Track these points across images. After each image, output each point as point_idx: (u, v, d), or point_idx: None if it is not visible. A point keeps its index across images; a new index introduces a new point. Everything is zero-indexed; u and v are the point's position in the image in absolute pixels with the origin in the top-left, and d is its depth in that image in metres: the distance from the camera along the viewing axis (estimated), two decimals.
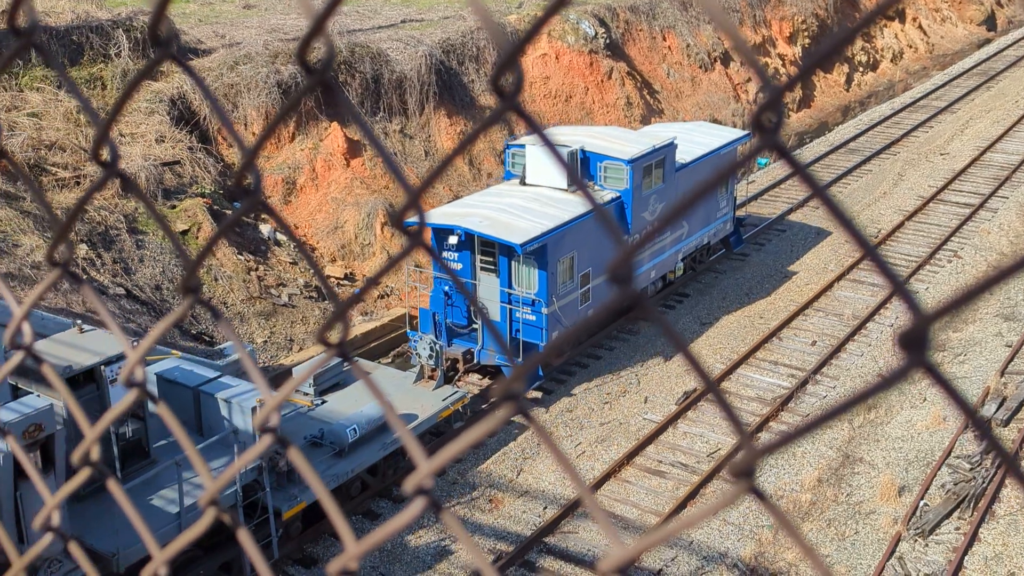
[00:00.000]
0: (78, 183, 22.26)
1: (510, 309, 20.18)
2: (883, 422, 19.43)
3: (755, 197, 31.55)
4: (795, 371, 21.46)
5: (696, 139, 25.26)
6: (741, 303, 24.78)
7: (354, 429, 16.49)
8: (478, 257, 20.42)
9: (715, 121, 37.10)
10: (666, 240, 23.29)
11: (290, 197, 25.56)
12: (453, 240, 20.47)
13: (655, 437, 19.05)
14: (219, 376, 15.44)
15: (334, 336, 1.08)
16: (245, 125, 25.96)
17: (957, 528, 16.16)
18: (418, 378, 19.62)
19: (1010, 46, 52.51)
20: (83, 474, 1.39)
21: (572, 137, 22.53)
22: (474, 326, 20.48)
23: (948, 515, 16.42)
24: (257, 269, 22.92)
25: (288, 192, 25.54)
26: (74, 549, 1.50)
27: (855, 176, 34.19)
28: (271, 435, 1.20)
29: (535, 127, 0.88)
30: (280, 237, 24.57)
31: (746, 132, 27.08)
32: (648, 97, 35.58)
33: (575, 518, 16.80)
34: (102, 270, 20.65)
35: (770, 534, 16.29)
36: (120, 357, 13.94)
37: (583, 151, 21.85)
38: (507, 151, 22.92)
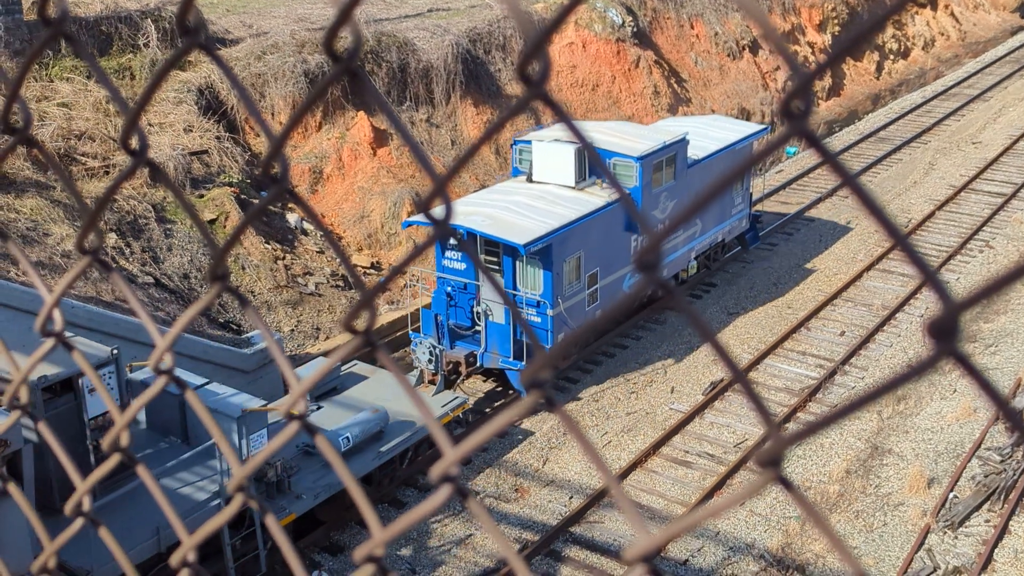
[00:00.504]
0: (107, 172, 22.44)
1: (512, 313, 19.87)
2: (912, 413, 19.30)
3: (784, 186, 31.35)
4: (824, 361, 21.34)
5: (711, 134, 24.62)
6: (769, 293, 24.66)
7: (347, 438, 15.98)
8: (482, 257, 19.76)
9: (743, 111, 36.89)
10: (678, 238, 22.57)
11: (317, 186, 25.64)
12: (454, 240, 20.19)
13: (682, 427, 19.01)
14: (207, 383, 14.87)
15: (360, 324, 1.08)
16: (272, 115, 26.05)
17: (987, 520, 16.04)
18: (418, 382, 19.20)
19: None
20: (113, 459, 1.40)
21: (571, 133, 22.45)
22: (477, 328, 19.80)
23: (978, 507, 16.30)
24: (284, 258, 23.02)
25: (315, 181, 25.62)
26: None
27: (885, 165, 33.91)
28: (298, 423, 1.20)
29: (562, 115, 0.88)
30: (307, 226, 24.67)
31: (763, 126, 26.36)
32: (676, 86, 35.41)
33: (601, 508, 16.80)
34: (131, 259, 20.81)
35: (797, 525, 16.22)
36: (105, 363, 13.62)
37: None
38: (514, 147, 22.41)
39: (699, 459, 18.17)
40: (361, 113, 26.87)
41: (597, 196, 20.51)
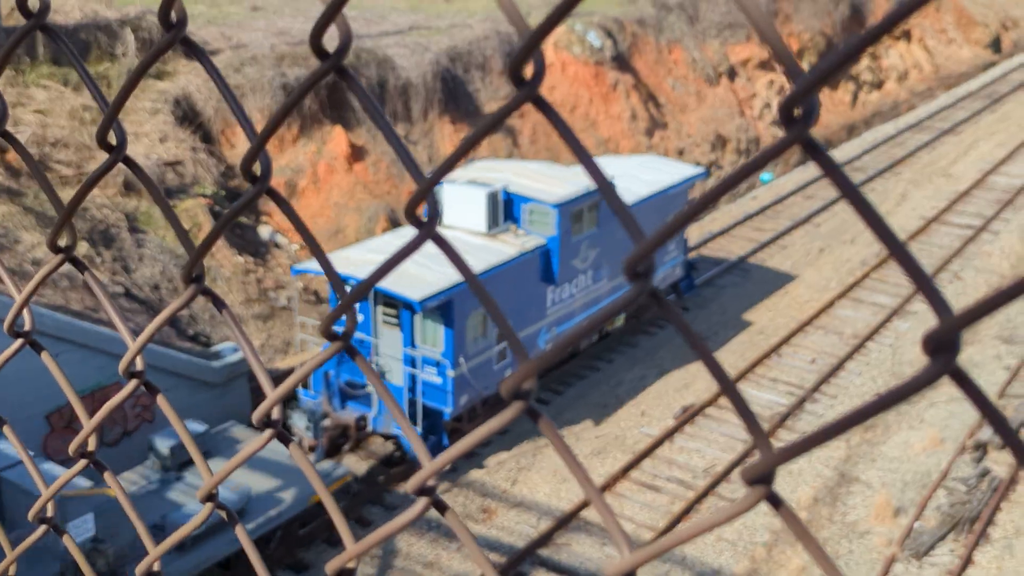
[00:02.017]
0: (80, 180, 22.26)
1: (412, 370, 18.00)
2: (880, 442, 19.39)
3: (758, 213, 31.55)
4: (794, 388, 21.42)
5: (643, 176, 23.04)
6: (741, 318, 24.76)
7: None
8: (379, 309, 18.23)
9: (719, 137, 37.13)
10: (602, 288, 21.24)
11: (291, 199, 25.54)
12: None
13: (651, 451, 19.00)
14: (32, 457, 13.74)
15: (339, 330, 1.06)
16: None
17: (952, 550, 16.11)
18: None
19: (1015, 69, 52.55)
20: (80, 465, 1.37)
21: (496, 174, 20.08)
22: (370, 388, 18.20)
23: (943, 537, 16.37)
24: (256, 271, 22.90)
25: (289, 194, 25.52)
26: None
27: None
28: (272, 430, 1.17)
29: (556, 119, 0.86)
30: (279, 239, 24.55)
31: (701, 170, 24.79)
32: (653, 110, 35.62)
33: (569, 531, 16.75)
34: (102, 268, 20.62)
35: (764, 551, 16.23)
36: None
37: (506, 192, 19.47)
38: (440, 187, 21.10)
39: (668, 484, 18.16)
40: (338, 127, 26.83)
41: (510, 244, 19.01)
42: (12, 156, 21.84)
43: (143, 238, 21.93)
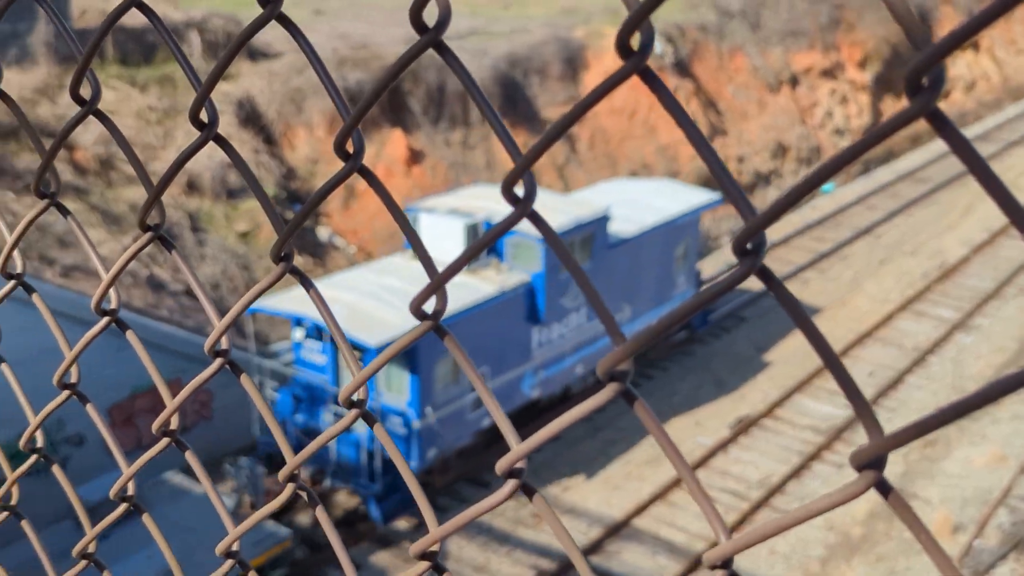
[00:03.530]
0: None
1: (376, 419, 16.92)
2: (940, 458, 19.04)
3: (819, 222, 31.18)
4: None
5: (653, 203, 21.47)
6: (798, 330, 24.44)
7: None
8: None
9: (780, 145, 36.77)
10: (597, 326, 19.38)
11: (350, 202, 25.75)
12: (299, 334, 16.84)
13: (705, 461, 18.84)
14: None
15: (428, 306, 1.05)
16: (311, 129, 26.22)
17: (1013, 570, 15.76)
18: (237, 505, 15.72)
19: None
20: (162, 443, 1.38)
21: (481, 203, 18.36)
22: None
23: (1004, 556, 16.02)
24: (315, 271, 23.10)
25: (348, 197, 25.74)
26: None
27: (922, 206, 33.65)
28: (358, 410, 1.17)
29: (663, 91, 0.84)
30: (337, 241, 24.74)
31: (717, 196, 22.68)
32: (713, 117, 35.39)
33: (620, 539, 16.66)
34: (164, 265, 20.94)
35: (818, 565, 16.01)
36: None
37: (488, 223, 17.58)
38: (411, 213, 18.67)
39: (722, 494, 17.99)
40: (397, 130, 27.00)
41: (490, 281, 17.48)
42: (80, 154, 22.28)
43: (205, 237, 22.24)
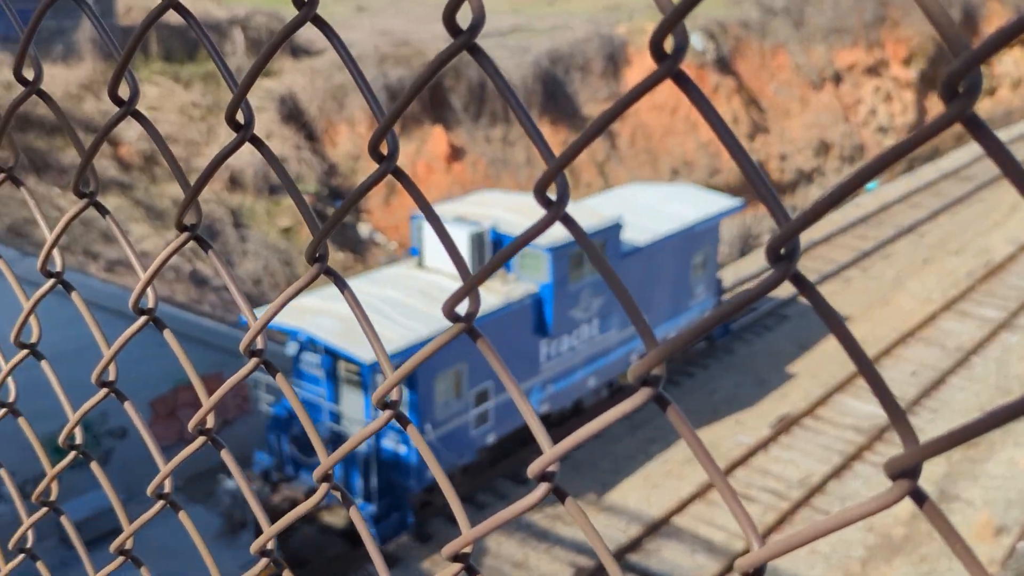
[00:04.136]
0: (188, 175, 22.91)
1: (376, 437, 14.91)
2: (983, 459, 18.79)
3: (861, 220, 30.87)
4: None
5: (669, 210, 20.54)
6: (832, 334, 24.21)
7: None
8: (342, 365, 15.77)
9: (823, 143, 36.43)
10: (611, 338, 18.88)
11: (390, 198, 25.86)
12: (293, 348, 16.15)
13: (746, 460, 18.72)
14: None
15: (462, 308, 1.05)
16: (352, 125, 26.35)
17: None
18: (225, 525, 15.14)
19: None
20: (198, 442, 1.39)
21: (488, 210, 17.63)
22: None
23: None
24: (355, 267, 23.23)
25: (389, 193, 25.84)
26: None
27: (967, 204, 33.22)
28: (392, 411, 1.17)
29: (696, 94, 0.83)
30: (378, 237, 24.86)
31: (738, 202, 22.05)
32: (755, 114, 35.14)
33: (659, 537, 16.60)
34: (206, 261, 21.15)
35: (859, 566, 15.86)
36: None
37: (495, 231, 16.83)
38: (412, 222, 18.21)
39: (762, 494, 17.87)
40: (438, 127, 27.07)
41: (495, 293, 16.56)
42: (124, 150, 22.55)
43: (247, 233, 22.43)
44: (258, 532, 15.81)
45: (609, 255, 17.40)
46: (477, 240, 16.50)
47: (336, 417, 15.92)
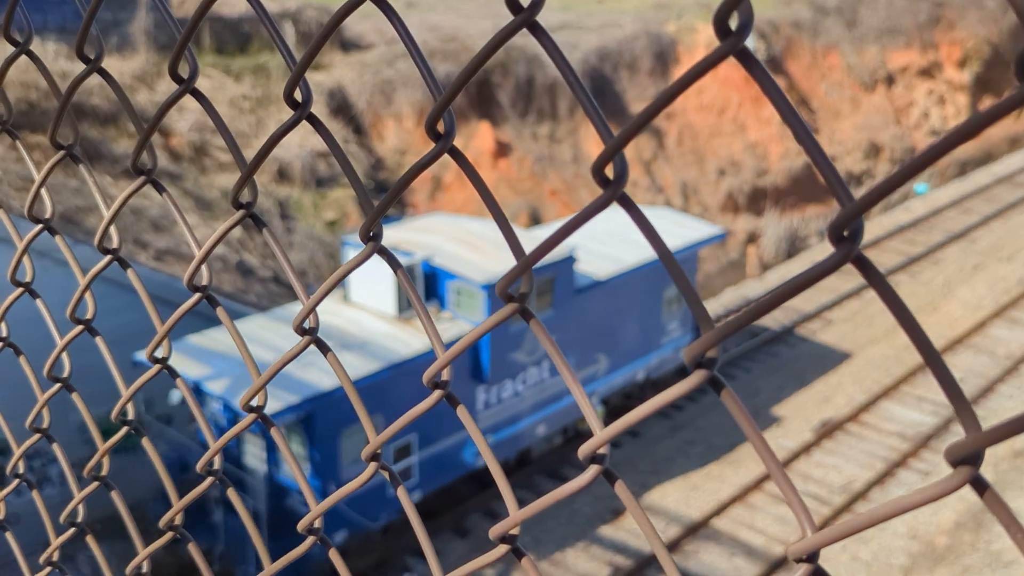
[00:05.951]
0: (236, 168, 23.14)
1: (276, 492, 13.82)
2: None
3: (911, 225, 30.48)
4: (940, 408, 20.61)
5: (638, 237, 17.07)
6: (887, 333, 23.95)
7: None
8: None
9: (873, 145, 36.00)
10: (562, 382, 15.68)
11: (436, 193, 25.93)
12: (176, 396, 13.78)
13: (788, 464, 18.56)
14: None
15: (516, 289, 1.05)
16: (399, 120, 26.47)
17: None
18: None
19: None
20: (249, 419, 1.40)
21: (427, 237, 15.81)
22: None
23: None
24: None
25: (435, 188, 25.92)
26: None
27: (1020, 210, 32.67)
28: (441, 391, 1.17)
29: (760, 72, 0.82)
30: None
31: (719, 230, 20.17)
32: (805, 115, 34.80)
33: (698, 539, 16.52)
34: (253, 252, 21.35)
35: (900, 575, 15.67)
36: None
37: (427, 264, 15.06)
38: (343, 248, 16.54)
39: (804, 498, 17.63)
40: (485, 123, 27.10)
41: (422, 333, 14.57)
42: (175, 140, 22.82)
43: (293, 225, 22.61)
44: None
45: (560, 292, 15.86)
46: (406, 274, 15.01)
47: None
